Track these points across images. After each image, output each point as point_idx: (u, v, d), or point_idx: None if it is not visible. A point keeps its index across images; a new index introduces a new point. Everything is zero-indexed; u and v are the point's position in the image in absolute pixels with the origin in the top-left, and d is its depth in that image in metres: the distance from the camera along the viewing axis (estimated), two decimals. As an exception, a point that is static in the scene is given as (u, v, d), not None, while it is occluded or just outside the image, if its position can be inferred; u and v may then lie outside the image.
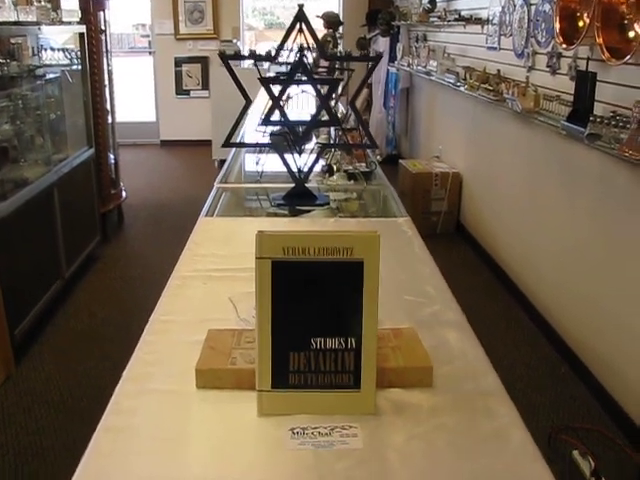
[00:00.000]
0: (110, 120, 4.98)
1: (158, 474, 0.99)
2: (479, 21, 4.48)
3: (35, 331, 3.41)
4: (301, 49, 2.25)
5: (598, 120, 2.58)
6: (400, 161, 5.64)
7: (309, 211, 2.38)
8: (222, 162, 3.23)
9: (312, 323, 1.08)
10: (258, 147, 2.67)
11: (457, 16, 4.90)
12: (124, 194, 5.18)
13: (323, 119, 2.57)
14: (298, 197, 2.39)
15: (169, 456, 1.03)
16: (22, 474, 2.47)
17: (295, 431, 1.07)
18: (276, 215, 2.38)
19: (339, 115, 3.27)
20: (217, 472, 1.00)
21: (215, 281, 1.63)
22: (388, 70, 7.21)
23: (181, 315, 1.45)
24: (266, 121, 2.30)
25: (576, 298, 3.20)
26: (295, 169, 2.36)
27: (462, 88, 4.59)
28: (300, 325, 1.08)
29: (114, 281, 4.21)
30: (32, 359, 3.24)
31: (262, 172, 2.59)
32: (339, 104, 3.70)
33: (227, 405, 1.14)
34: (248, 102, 2.28)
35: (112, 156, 4.99)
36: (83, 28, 4.32)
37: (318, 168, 2.61)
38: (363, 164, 2.89)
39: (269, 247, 1.06)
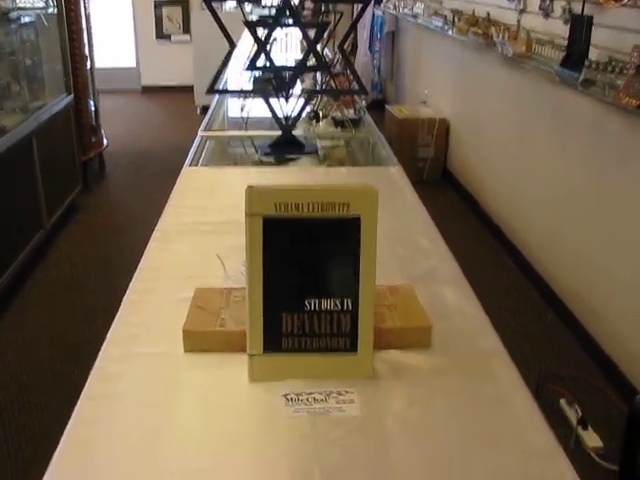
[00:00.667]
0: (89, 66, 4.79)
1: (144, 443, 0.93)
2: (468, -39, 4.32)
3: (16, 285, 3.32)
4: (287, -11, 2.12)
5: (593, 66, 2.49)
6: (386, 107, 5.52)
7: (296, 159, 2.30)
8: (205, 109, 3.12)
9: (306, 283, 1.01)
10: (243, 94, 2.55)
11: (445, -44, 4.72)
12: (105, 142, 5.03)
13: (310, 64, 2.45)
14: (285, 145, 2.29)
15: (156, 424, 0.96)
16: (10, 429, 2.42)
17: (289, 397, 1.00)
18: (263, 164, 2.29)
19: (326, 60, 3.14)
20: (206, 441, 0.93)
21: (201, 235, 1.55)
22: (374, 13, 7.01)
23: (166, 272, 1.37)
24: (251, 66, 2.18)
25: (566, 247, 3.15)
26: (281, 116, 2.26)
27: (450, 32, 4.45)
28: (293, 285, 1.01)
29: (96, 231, 4.11)
30: (13, 314, 3.16)
31: (247, 119, 2.48)
32: (325, 49, 3.57)
33: (217, 370, 1.07)
34: (232, 46, 2.16)
35: (92, 103, 4.83)
36: (58, -32, 4.11)
37: (305, 115, 2.51)
38: (351, 110, 2.79)
39: (260, 203, 0.98)
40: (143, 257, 1.43)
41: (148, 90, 8.16)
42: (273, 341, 1.02)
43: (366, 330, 1.03)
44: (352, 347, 1.03)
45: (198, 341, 1.11)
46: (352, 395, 1.01)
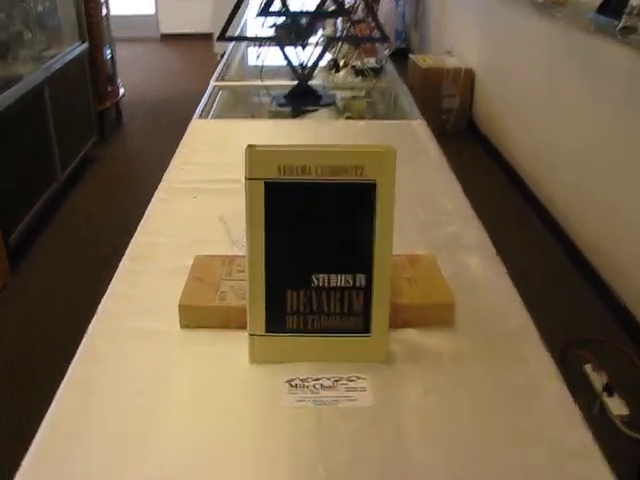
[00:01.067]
0: (105, 12, 4.62)
1: (134, 433, 0.82)
2: None
3: (30, 237, 3.24)
4: None
5: (635, 12, 2.28)
6: (410, 56, 5.29)
7: (313, 111, 2.15)
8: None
9: (313, 256, 0.89)
10: (257, 41, 2.39)
11: None
12: (122, 91, 4.89)
13: (329, 9, 2.28)
14: (301, 96, 2.14)
15: (143, 410, 0.85)
16: (12, 393, 2.36)
17: (293, 383, 0.89)
18: (278, 115, 2.15)
19: (346, 5, 2.96)
20: (199, 434, 0.82)
21: (207, 194, 1.42)
22: (398, -43, 6.70)
23: (166, 236, 1.26)
24: (264, 12, 2.02)
25: (593, 201, 2.99)
26: (298, 65, 2.10)
27: (478, -24, 4.20)
28: (299, 259, 0.89)
29: (112, 182, 4.00)
30: (28, 266, 3.08)
31: (262, 68, 2.33)
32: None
33: (214, 349, 0.96)
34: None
35: (108, 51, 4.66)
36: None
37: (323, 64, 2.35)
38: (372, 59, 2.62)
39: (262, 165, 0.85)
40: (142, 220, 1.31)
41: (167, 38, 7.94)
42: (276, 320, 0.91)
43: (381, 310, 0.90)
44: (365, 328, 0.91)
45: (195, 317, 0.99)
46: (364, 382, 0.89)
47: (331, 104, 2.10)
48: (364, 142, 1.73)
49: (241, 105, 2.33)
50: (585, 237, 3.07)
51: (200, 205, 1.37)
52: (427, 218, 1.33)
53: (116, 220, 3.46)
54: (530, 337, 0.99)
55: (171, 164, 1.57)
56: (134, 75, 6.04)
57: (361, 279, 0.89)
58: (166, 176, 1.50)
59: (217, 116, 2.01)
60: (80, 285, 2.90)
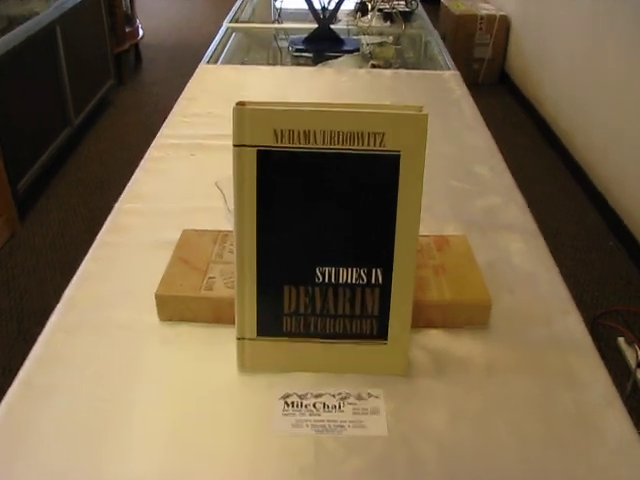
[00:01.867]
0: (123, -53, 4.35)
1: (91, 452, 0.65)
2: None
3: (40, 185, 3.07)
4: None
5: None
6: (442, 0, 4.96)
7: (336, 57, 1.92)
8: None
9: (318, 245, 0.69)
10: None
11: None
12: (141, 32, 4.64)
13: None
14: (322, 41, 1.91)
15: (105, 422, 0.68)
16: (25, 340, 2.22)
17: (289, 400, 0.71)
18: (297, 63, 1.93)
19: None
20: (168, 465, 0.65)
21: (207, 152, 1.23)
22: None
23: (154, 202, 1.07)
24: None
25: (631, 165, 2.73)
26: (319, 6, 1.87)
27: None
28: (300, 248, 0.69)
29: (128, 128, 3.80)
30: (38, 214, 2.92)
31: (281, 9, 2.10)
32: None
33: (197, 350, 0.78)
34: None
35: (126, -11, 4.41)
36: None
37: (349, 6, 2.11)
38: (402, 2, 2.37)
39: (254, 129, 0.65)
40: (130, 182, 1.12)
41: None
42: (271, 322, 0.72)
43: (402, 312, 0.71)
44: (381, 334, 0.72)
45: (176, 309, 0.81)
46: (377, 402, 0.71)
47: (355, 50, 1.87)
48: (389, 95, 1.51)
49: (255, 50, 2.11)
50: (622, 201, 2.83)
51: (197, 165, 1.18)
52: (459, 187, 1.12)
53: (131, 168, 3.28)
54: (584, 347, 0.79)
55: (169, 116, 1.37)
56: (154, 16, 5.78)
57: (378, 274, 0.69)
58: (163, 130, 1.31)
59: (228, 61, 1.79)
60: (91, 236, 2.74)
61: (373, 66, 2.01)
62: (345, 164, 0.66)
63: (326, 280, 0.70)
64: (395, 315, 0.71)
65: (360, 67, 1.92)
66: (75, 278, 0.89)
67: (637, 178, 2.69)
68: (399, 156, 0.65)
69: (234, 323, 0.74)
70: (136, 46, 4.64)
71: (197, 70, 1.63)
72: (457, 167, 1.18)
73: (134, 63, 4.70)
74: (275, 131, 0.65)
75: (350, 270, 0.69)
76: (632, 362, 2.19)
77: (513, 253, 0.96)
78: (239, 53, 1.94)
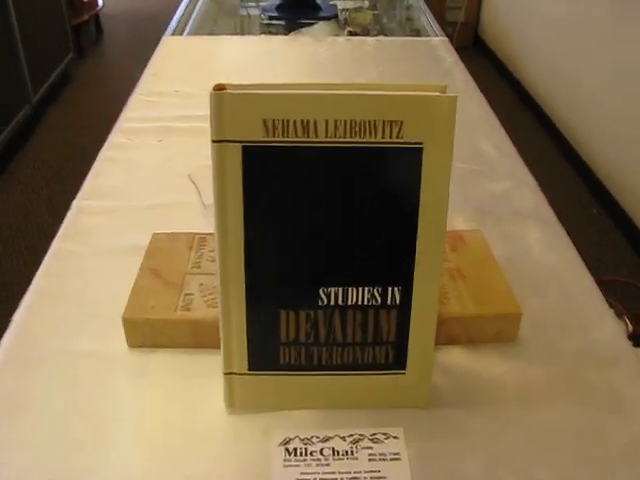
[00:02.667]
0: None
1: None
2: None
3: (0, 166, 2.87)
4: None
5: None
6: (412, -37, 4.77)
7: (309, 25, 1.76)
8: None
9: (322, 260, 0.55)
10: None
11: None
12: (100, 2, 4.38)
13: None
14: (296, 7, 1.75)
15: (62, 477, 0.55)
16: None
17: (291, 447, 0.57)
18: (268, 32, 1.76)
19: None
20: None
21: (176, 136, 1.07)
22: None
23: (116, 198, 0.91)
24: None
25: (611, 127, 2.62)
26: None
27: None
28: (300, 264, 0.55)
29: (91, 104, 3.58)
30: (-3, 199, 2.73)
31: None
32: None
33: (175, 383, 0.64)
34: None
35: (83, -44, 4.14)
36: None
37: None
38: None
39: (238, 119, 0.51)
40: (88, 176, 0.97)
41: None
42: (265, 354, 0.58)
43: (423, 335, 0.58)
44: (398, 362, 0.59)
45: (148, 334, 0.67)
46: (397, 443, 0.58)
47: (333, 17, 1.71)
48: (375, 66, 1.36)
49: (223, 18, 1.93)
50: (604, 167, 2.73)
51: (166, 153, 1.02)
52: (465, 169, 0.98)
53: (99, 146, 3.08)
54: (625, 362, 0.67)
55: (132, 95, 1.20)
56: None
57: (395, 293, 0.56)
58: (125, 112, 1.15)
59: (194, 32, 1.62)
60: (56, 220, 2.56)
61: (350, 33, 1.86)
62: (354, 161, 0.52)
63: (332, 302, 0.56)
64: (415, 340, 0.58)
65: (336, 35, 1.77)
66: (27, 297, 0.74)
67: (618, 141, 2.59)
68: (421, 149, 0.51)
69: (219, 347, 0.60)
70: (96, 17, 4.39)
71: (161, 43, 1.47)
72: (459, 146, 1.05)
73: (95, 35, 4.45)
74: (265, 122, 0.50)
75: (361, 289, 0.56)
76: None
77: (532, 245, 0.83)
78: (207, 23, 1.77)
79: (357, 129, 0.50)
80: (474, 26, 4.37)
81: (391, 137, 0.51)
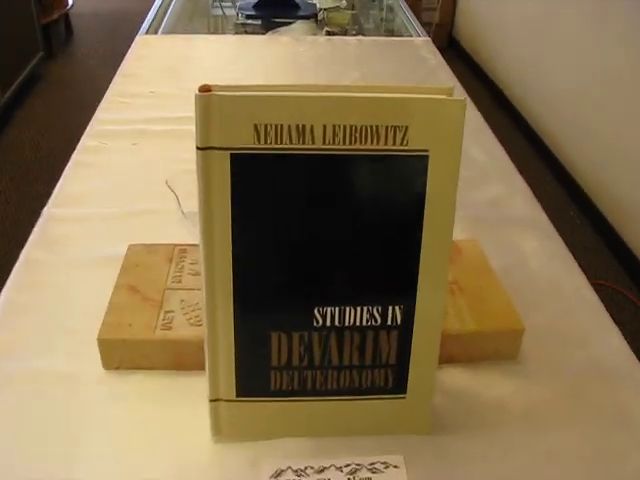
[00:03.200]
0: None
1: None
2: None
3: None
4: None
5: None
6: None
7: (288, 24, 1.72)
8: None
9: (317, 277, 0.51)
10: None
11: None
12: (70, 1, 4.28)
13: None
14: (274, 5, 1.70)
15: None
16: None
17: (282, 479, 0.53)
18: (244, 31, 1.71)
19: None
20: None
21: (151, 139, 1.02)
22: None
23: (90, 205, 0.86)
24: None
25: (591, 129, 2.62)
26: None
27: None
28: (293, 281, 0.51)
29: (61, 105, 3.49)
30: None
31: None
32: None
33: (155, 409, 0.59)
34: None
35: (52, -47, 4.04)
36: None
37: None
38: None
39: (227, 124, 0.46)
40: (60, 180, 0.91)
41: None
42: (254, 379, 0.53)
43: (425, 357, 0.54)
44: (398, 386, 0.55)
45: (126, 356, 0.62)
46: (398, 473, 0.54)
47: (312, 16, 1.67)
48: (357, 66, 1.32)
49: (199, 17, 1.87)
50: (582, 169, 2.72)
51: (141, 157, 0.97)
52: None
53: (67, 149, 3.00)
54: (633, 377, 0.64)
55: (105, 96, 1.15)
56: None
57: (396, 313, 0.52)
58: (98, 113, 1.09)
59: (169, 31, 1.56)
60: (25, 229, 2.48)
61: (328, 33, 1.82)
62: (354, 170, 0.47)
63: (328, 323, 0.52)
64: (417, 362, 0.53)
65: (314, 34, 1.72)
66: (-7, 313, 0.68)
67: (597, 143, 2.58)
68: (427, 157, 0.47)
69: (203, 369, 0.55)
70: (66, 16, 4.29)
71: (135, 42, 1.41)
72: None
73: (65, 34, 4.34)
74: (256, 127, 0.45)
75: (360, 309, 0.51)
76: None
77: (529, 255, 0.80)
78: (181, 21, 1.71)
79: (357, 135, 0.46)
80: (449, 28, 4.36)
81: (394, 144, 0.46)
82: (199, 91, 0.45)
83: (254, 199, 0.48)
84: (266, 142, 0.46)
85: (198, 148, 0.46)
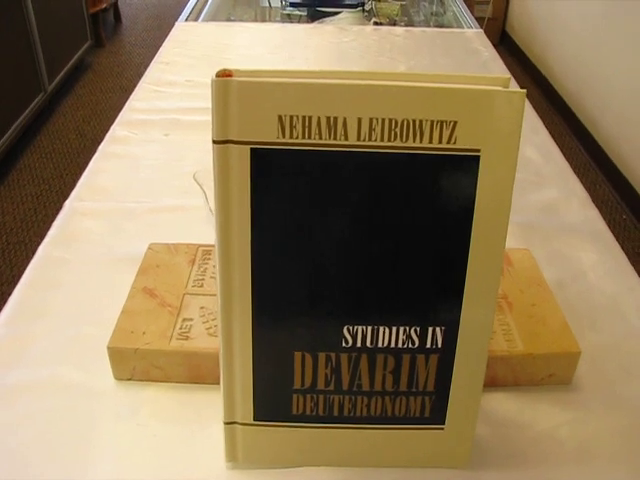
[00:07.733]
0: None
1: None
2: None
3: (12, 157, 2.79)
4: None
5: None
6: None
7: (333, 14, 1.66)
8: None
9: (347, 293, 0.44)
10: None
11: None
12: (120, -10, 4.29)
13: None
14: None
15: None
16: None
17: (303, 517, 0.47)
18: (289, 19, 1.66)
19: None
20: None
21: (183, 131, 0.97)
22: None
23: (114, 199, 0.81)
24: None
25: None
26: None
27: None
28: (319, 296, 0.45)
29: (107, 94, 3.50)
30: (9, 189, 2.65)
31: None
32: None
33: (167, 427, 0.54)
34: None
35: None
36: None
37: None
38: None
39: (247, 114, 0.40)
40: (85, 173, 0.86)
41: None
42: (274, 402, 0.48)
43: (469, 386, 0.47)
44: (436, 416, 0.48)
45: (138, 366, 0.56)
46: (432, 516, 0.47)
47: (359, 5, 1.60)
48: (404, 59, 1.25)
49: (244, 7, 1.82)
50: (634, 167, 2.59)
51: (172, 149, 0.92)
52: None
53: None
54: None
55: (139, 84, 1.10)
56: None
57: (436, 335, 0.45)
58: (130, 102, 1.04)
59: (210, 18, 1.51)
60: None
61: (376, 24, 1.75)
62: (392, 172, 0.41)
63: (358, 344, 0.45)
64: (459, 390, 0.47)
65: (364, 25, 1.66)
66: (5, 312, 0.64)
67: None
68: (478, 158, 0.40)
69: (218, 383, 0.49)
70: (115, 4, 4.30)
71: (173, 29, 1.36)
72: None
73: (113, 23, 4.36)
74: (281, 118, 0.39)
75: (395, 329, 0.45)
76: None
77: (587, 267, 0.72)
78: (224, 8, 1.66)
79: (398, 131, 0.39)
80: (502, 22, 4.23)
81: (440, 142, 0.40)
82: (217, 76, 0.39)
83: (277, 200, 0.42)
84: (292, 136, 0.40)
85: (214, 142, 0.41)
